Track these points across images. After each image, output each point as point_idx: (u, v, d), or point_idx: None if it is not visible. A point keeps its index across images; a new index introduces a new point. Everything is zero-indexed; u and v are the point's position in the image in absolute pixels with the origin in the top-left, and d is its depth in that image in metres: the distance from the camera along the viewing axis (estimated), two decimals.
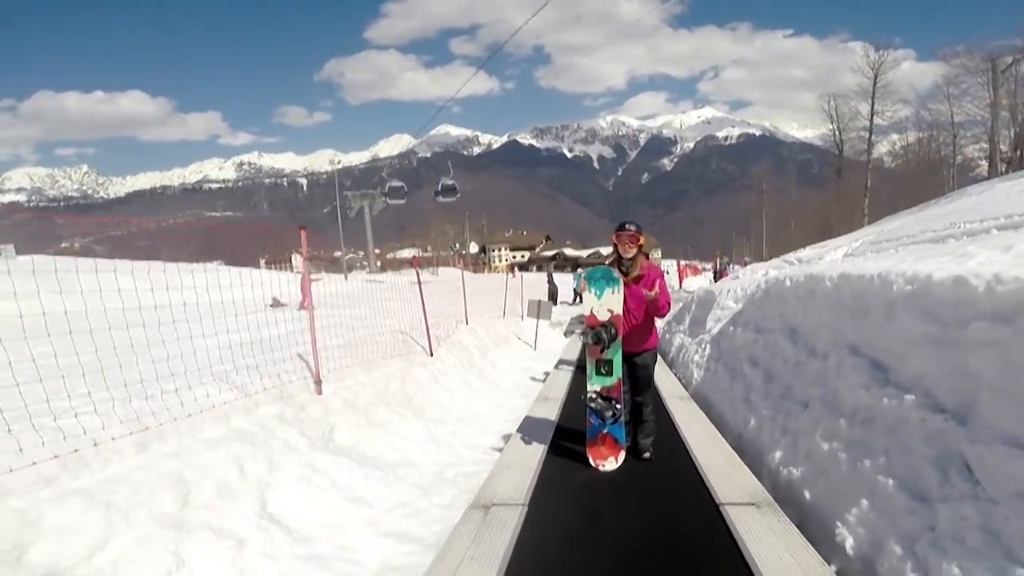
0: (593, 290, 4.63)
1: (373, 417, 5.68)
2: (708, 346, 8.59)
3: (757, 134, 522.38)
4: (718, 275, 27.78)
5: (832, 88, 42.12)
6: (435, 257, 70.28)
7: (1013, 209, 9.29)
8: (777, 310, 6.51)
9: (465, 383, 8.25)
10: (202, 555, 3.15)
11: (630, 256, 4.69)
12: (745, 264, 26.25)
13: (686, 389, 7.65)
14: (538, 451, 4.90)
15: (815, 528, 3.50)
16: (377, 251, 62.28)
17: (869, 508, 3.20)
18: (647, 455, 4.85)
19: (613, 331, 4.56)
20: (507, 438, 5.58)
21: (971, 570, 2.41)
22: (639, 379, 4.87)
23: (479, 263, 57.90)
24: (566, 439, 5.19)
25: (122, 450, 3.50)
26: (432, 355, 8.38)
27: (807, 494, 3.89)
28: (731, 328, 7.98)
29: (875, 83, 36.36)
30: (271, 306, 15.42)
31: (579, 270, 11.80)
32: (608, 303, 4.57)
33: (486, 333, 11.31)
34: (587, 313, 4.69)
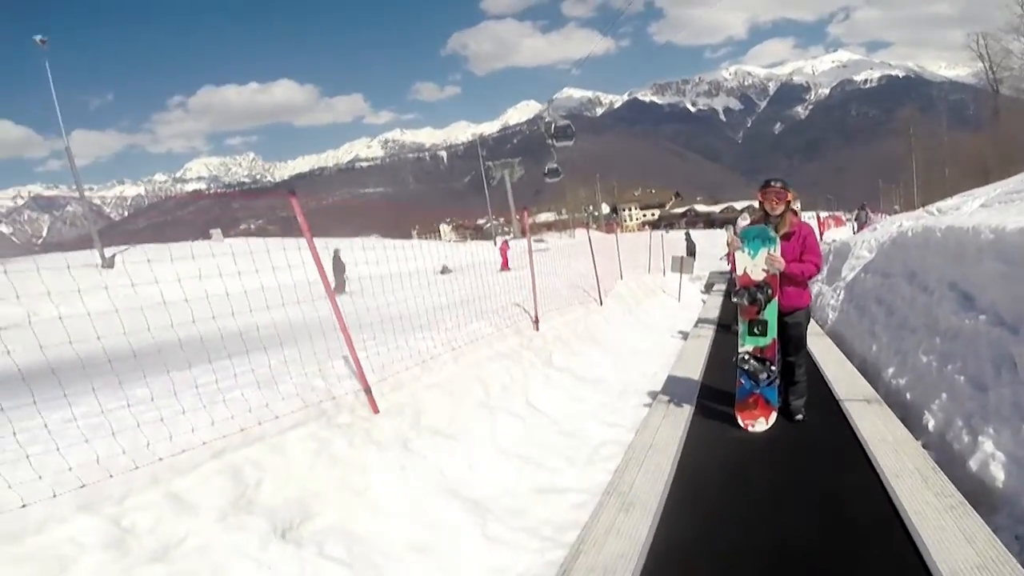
0: (747, 249, 4.48)
1: (573, 347, 7.46)
2: (842, 291, 9.60)
3: (900, 75, 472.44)
4: (860, 226, 27.16)
5: (981, 22, 37.41)
6: (571, 220, 71.90)
7: None
8: (901, 257, 7.53)
9: (627, 326, 9.84)
10: (503, 424, 5.02)
11: (778, 213, 4.50)
12: (876, 215, 25.39)
13: (822, 328, 8.82)
14: (683, 417, 4.98)
15: (912, 419, 4.77)
16: (516, 217, 64.75)
17: (947, 399, 4.48)
18: (799, 416, 4.74)
19: (769, 291, 4.44)
20: (666, 366, 7.18)
21: (1000, 430, 3.70)
22: (790, 338, 4.67)
23: (612, 223, 58.69)
24: (712, 400, 5.33)
25: (447, 361, 5.45)
26: (601, 304, 10.05)
27: (908, 396, 5.16)
28: (863, 275, 8.98)
29: None
30: (441, 273, 17.46)
31: (729, 225, 12.34)
32: (762, 262, 4.42)
33: (637, 287, 12.81)
34: (740, 273, 4.56)
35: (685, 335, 9.27)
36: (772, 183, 4.55)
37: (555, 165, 51.01)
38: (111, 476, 2.97)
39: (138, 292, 3.74)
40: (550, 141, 26.26)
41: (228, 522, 3.07)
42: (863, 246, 10.14)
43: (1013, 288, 4.17)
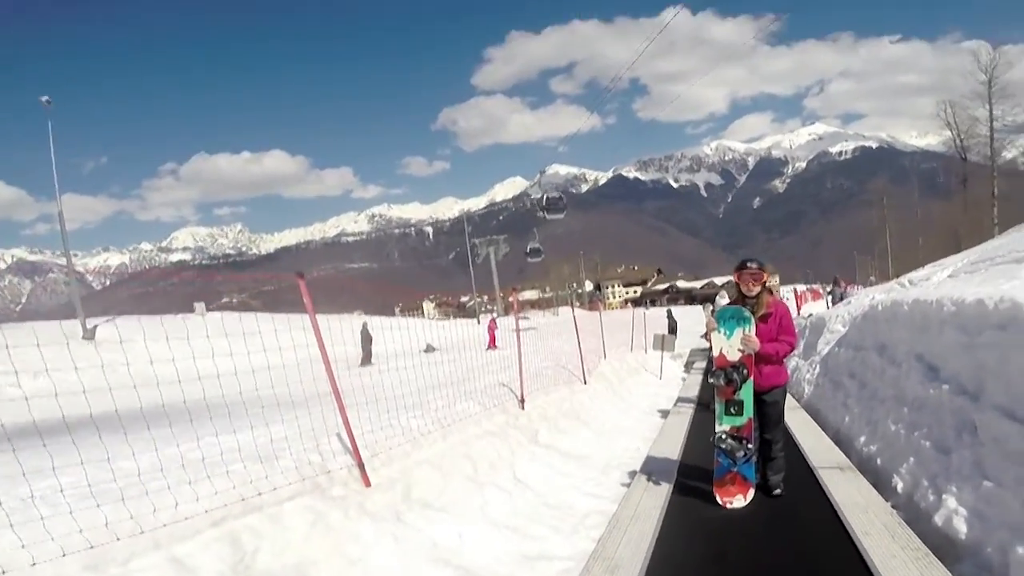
0: (723, 330, 4.56)
1: (559, 425, 7.67)
2: (817, 365, 9.94)
3: (874, 146, 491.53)
4: (835, 300, 27.84)
5: (950, 91, 38.51)
6: (554, 298, 72.71)
7: None
8: (871, 330, 7.92)
9: (611, 404, 10.07)
10: (491, 497, 5.20)
11: (755, 294, 4.55)
12: (851, 288, 26.07)
13: (798, 402, 9.10)
14: (663, 491, 5.05)
15: (883, 483, 5.03)
16: (500, 294, 65.46)
17: (914, 462, 4.76)
18: (778, 491, 4.77)
19: (744, 371, 4.48)
20: (648, 441, 7.41)
21: (963, 488, 3.97)
22: (768, 416, 4.71)
23: (595, 301, 59.27)
24: (691, 478, 5.35)
25: (437, 439, 5.67)
26: (585, 383, 10.30)
27: (879, 461, 5.43)
28: (837, 349, 9.34)
29: (990, 86, 33.54)
30: (425, 351, 17.57)
31: (707, 304, 12.61)
32: (738, 343, 4.50)
33: (621, 365, 13.10)
34: (716, 353, 4.63)
35: (666, 413, 9.49)
36: (748, 264, 4.58)
37: (537, 245, 52.11)
38: (117, 539, 3.15)
39: (131, 371, 3.90)
40: (541, 213, 28.10)
41: None
42: (837, 320, 10.53)
43: (973, 357, 4.52)
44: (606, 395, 10.38)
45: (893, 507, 4.37)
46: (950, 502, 3.99)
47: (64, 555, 2.96)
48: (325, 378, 4.69)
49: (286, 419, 5.28)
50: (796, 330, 4.98)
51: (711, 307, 10.15)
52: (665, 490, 5.16)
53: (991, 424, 4.01)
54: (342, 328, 7.37)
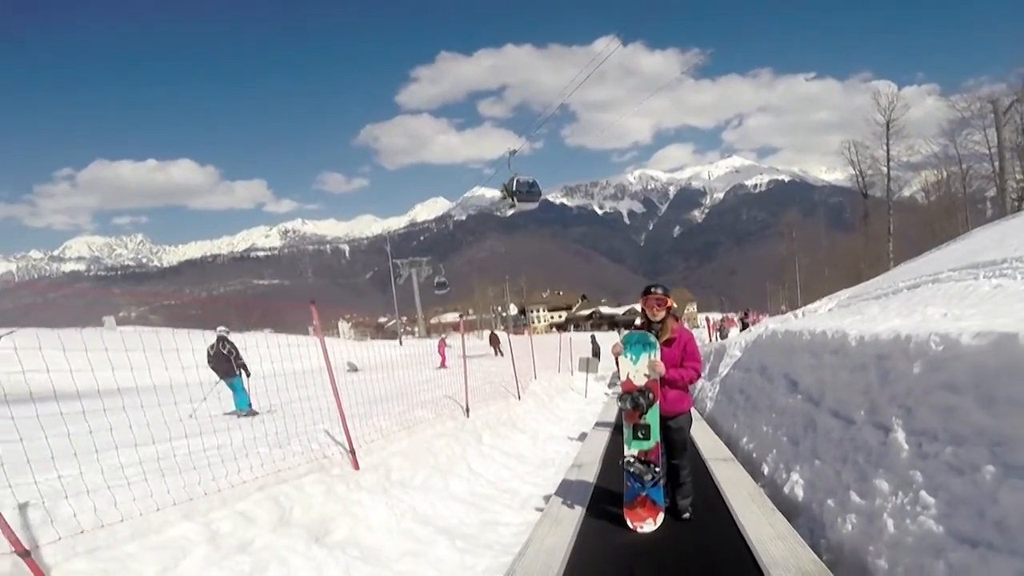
0: (629, 355, 4.68)
1: (499, 432, 9.20)
2: (718, 385, 11.83)
3: (786, 180, 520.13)
4: (743, 327, 30.47)
5: (858, 128, 41.98)
6: (478, 320, 74.08)
7: (957, 260, 11.57)
8: (757, 355, 9.79)
9: (543, 416, 11.67)
10: (453, 482, 6.67)
11: (659, 319, 4.65)
12: (759, 316, 28.73)
13: (700, 415, 10.89)
14: (576, 514, 5.23)
15: (755, 470, 6.74)
16: (421, 316, 66.57)
17: (776, 453, 6.51)
18: (686, 515, 4.92)
19: (651, 396, 4.60)
20: (576, 441, 8.97)
21: (803, 466, 5.69)
22: (674, 442, 4.84)
23: (519, 325, 61.28)
24: (604, 502, 5.49)
25: (400, 437, 7.09)
26: (519, 399, 11.86)
27: (754, 455, 7.18)
28: (733, 371, 11.23)
29: (888, 128, 36.72)
30: (348, 370, 18.44)
31: (623, 330, 13.64)
32: (644, 368, 4.63)
33: (549, 384, 14.76)
34: (623, 378, 4.73)
35: (589, 424, 11.08)
36: (653, 290, 4.69)
37: (443, 279, 54.91)
38: (204, 494, 4.44)
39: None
40: (510, 200, 24.66)
41: (279, 531, 4.55)
42: (736, 347, 12.48)
43: (817, 374, 6.30)
44: (538, 409, 11.95)
45: (761, 486, 6.02)
46: (794, 476, 5.72)
47: (158, 508, 4.21)
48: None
49: (275, 419, 6.55)
50: (701, 356, 5.05)
51: (628, 331, 11.78)
52: (577, 516, 5.72)
53: (824, 421, 5.76)
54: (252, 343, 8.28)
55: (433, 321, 77.84)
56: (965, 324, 3.73)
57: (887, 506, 3.94)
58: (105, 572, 3.49)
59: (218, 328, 10.40)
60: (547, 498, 6.14)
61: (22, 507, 3.76)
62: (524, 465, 8.09)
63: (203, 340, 8.97)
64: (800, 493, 5.48)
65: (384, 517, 5.39)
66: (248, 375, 9.95)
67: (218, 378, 9.95)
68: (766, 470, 6.51)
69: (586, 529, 4.96)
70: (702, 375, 4.91)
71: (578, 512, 5.33)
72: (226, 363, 9.88)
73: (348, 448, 6.08)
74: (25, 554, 3.25)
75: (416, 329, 61.75)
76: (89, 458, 4.48)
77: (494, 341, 21.99)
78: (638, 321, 11.40)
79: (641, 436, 4.74)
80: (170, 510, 4.22)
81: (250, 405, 9.57)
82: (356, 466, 6.01)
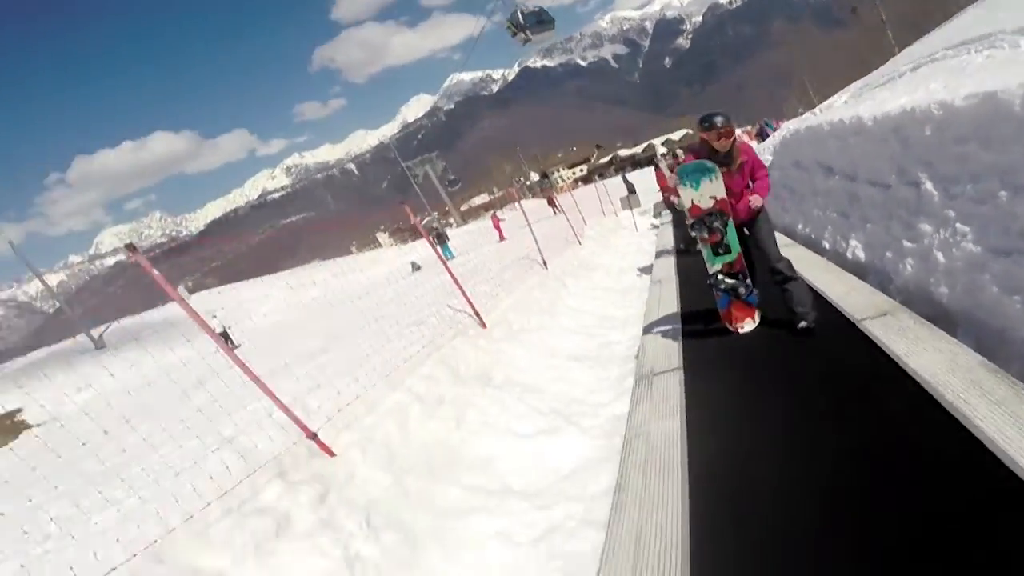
0: (688, 184, 4.55)
1: (577, 274, 10.06)
2: None
3: None
4: (764, 137, 30.18)
5: None
6: (505, 195, 74.45)
7: (950, 40, 11.88)
8: (787, 154, 10.27)
9: (607, 254, 12.49)
10: (563, 320, 7.56)
11: (727, 150, 4.44)
12: (769, 125, 28.44)
13: None
14: (675, 322, 5.79)
15: (814, 245, 7.47)
16: (447, 207, 67.31)
17: (832, 228, 7.19)
18: (803, 324, 4.41)
19: (725, 217, 4.53)
20: (644, 270, 9.79)
21: (857, 232, 6.37)
22: (763, 239, 4.61)
23: (546, 190, 61.32)
24: (695, 306, 6.01)
25: (503, 297, 7.97)
26: (581, 244, 12.67)
27: (812, 236, 7.87)
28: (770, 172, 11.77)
29: None
30: (413, 270, 19.67)
31: (656, 162, 13.39)
32: (708, 191, 4.52)
33: (602, 228, 15.51)
34: (688, 206, 4.64)
35: (650, 252, 11.84)
36: (715, 121, 4.38)
37: (452, 176, 55.66)
38: (395, 368, 5.39)
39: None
40: (524, 35, 21.34)
41: (458, 383, 5.50)
42: (766, 152, 12.92)
43: (846, 155, 6.86)
44: (601, 249, 12.77)
45: (826, 259, 6.79)
46: (852, 243, 6.43)
47: (373, 385, 5.15)
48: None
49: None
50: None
51: (662, 160, 12.22)
52: (675, 296, 7.13)
53: (864, 192, 6.37)
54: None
55: (463, 208, 78.37)
56: (961, 91, 4.26)
57: (934, 242, 4.60)
58: (365, 439, 4.42)
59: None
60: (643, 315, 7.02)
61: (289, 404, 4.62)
62: (610, 295, 8.95)
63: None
64: (861, 255, 6.18)
65: (524, 358, 6.33)
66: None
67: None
68: (827, 245, 7.21)
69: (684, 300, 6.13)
70: None
71: (674, 295, 6.63)
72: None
73: (473, 312, 6.99)
74: (313, 436, 4.19)
75: (452, 220, 62.63)
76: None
77: (551, 202, 22.93)
78: (666, 162, 11.58)
79: (721, 252, 4.71)
80: (380, 386, 5.18)
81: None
82: (483, 325, 6.93)
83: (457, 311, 7.18)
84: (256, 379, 4.09)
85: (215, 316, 19.76)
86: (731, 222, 4.64)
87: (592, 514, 3.50)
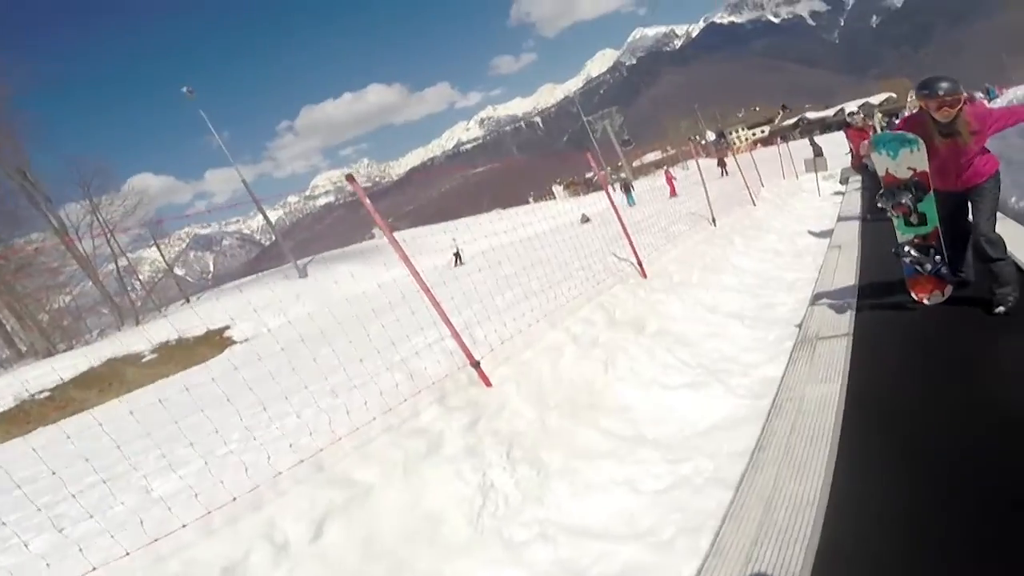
0: (884, 152, 4.21)
1: (746, 234, 9.46)
2: None
3: None
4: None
5: None
6: (679, 153, 71.83)
7: None
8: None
9: (782, 217, 11.63)
10: (725, 278, 7.22)
11: (952, 119, 3.77)
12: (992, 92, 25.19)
13: None
14: (850, 291, 5.46)
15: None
16: (624, 162, 66.22)
17: None
18: (1000, 309, 3.85)
19: (920, 192, 4.18)
20: (823, 236, 9.01)
21: None
22: (982, 210, 3.95)
23: (722, 149, 58.30)
24: (876, 277, 5.61)
25: (667, 249, 7.75)
26: (755, 205, 11.93)
27: (1021, 204, 6.85)
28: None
29: None
30: (582, 222, 19.74)
31: (851, 117, 11.93)
32: (907, 162, 4.14)
33: (780, 190, 14.51)
34: (883, 173, 4.33)
35: (832, 218, 10.87)
36: (938, 87, 3.74)
37: (627, 136, 54.90)
38: (558, 307, 5.46)
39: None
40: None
41: (612, 328, 5.45)
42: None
43: None
44: (776, 212, 11.89)
45: None
46: None
47: (537, 321, 5.26)
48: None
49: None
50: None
51: (854, 118, 11.05)
52: (854, 263, 6.65)
53: None
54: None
55: (636, 164, 76.58)
56: None
57: None
58: (520, 373, 4.51)
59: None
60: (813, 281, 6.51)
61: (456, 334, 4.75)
62: (780, 257, 8.35)
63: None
64: None
65: (680, 310, 6.11)
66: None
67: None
68: None
69: (864, 273, 5.77)
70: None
71: (853, 263, 6.20)
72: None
73: (636, 261, 6.86)
74: (476, 364, 4.34)
75: (623, 175, 61.75)
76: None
77: (721, 162, 22.04)
78: (857, 120, 10.47)
79: (915, 223, 4.31)
80: (541, 323, 5.24)
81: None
82: (644, 275, 6.78)
83: (621, 259, 7.07)
84: (437, 305, 4.33)
85: (454, 239, 23.30)
86: (931, 195, 4.20)
87: (722, 472, 3.35)
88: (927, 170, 4.11)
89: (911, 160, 4.13)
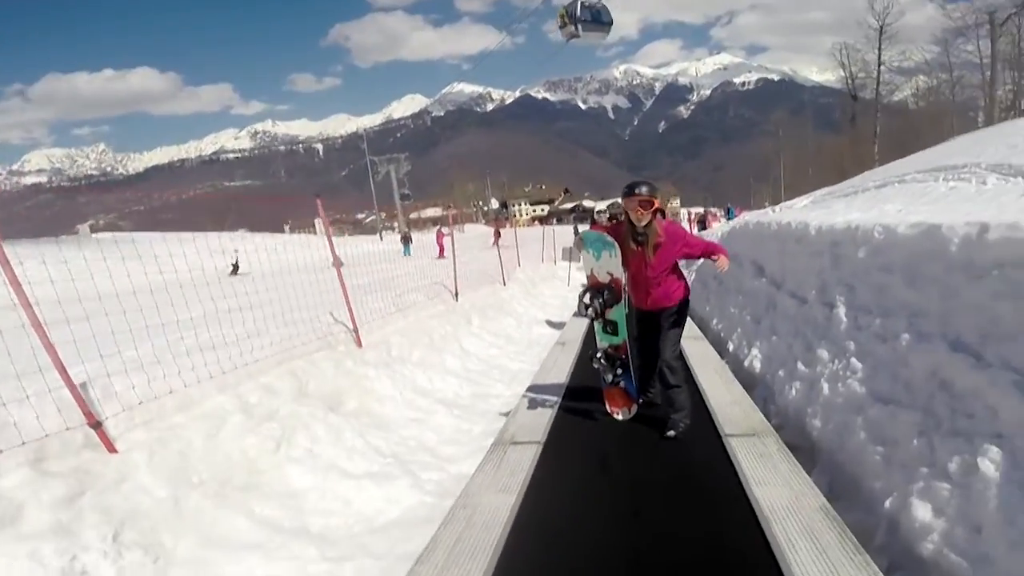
0: (591, 251, 4.44)
1: (486, 314, 9.87)
2: (694, 273, 12.56)
3: (776, 79, 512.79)
4: (703, 226, 30.99)
5: (851, 31, 42.12)
6: (459, 215, 74.15)
7: (927, 163, 12.30)
8: (731, 244, 10.41)
9: (527, 302, 12.35)
10: (449, 360, 7.31)
11: (644, 224, 4.06)
12: (740, 212, 29.43)
13: None
14: (558, 392, 5.56)
15: (722, 347, 7.45)
16: (400, 212, 66.63)
17: (740, 331, 7.20)
18: (671, 433, 4.28)
19: (610, 295, 4.40)
20: (559, 326, 9.65)
21: (762, 342, 6.36)
22: (665, 335, 4.32)
23: (500, 220, 61.32)
24: (584, 381, 5.77)
25: (396, 319, 7.70)
26: (505, 285, 12.48)
27: (722, 334, 7.90)
28: (707, 260, 11.93)
29: (881, 32, 37.21)
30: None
31: (593, 216, 13.59)
32: (607, 265, 4.39)
33: (534, 273, 15.41)
34: (588, 273, 4.57)
35: (573, 309, 11.74)
36: (636, 190, 4.03)
37: (406, 191, 56.12)
38: (235, 368, 5.02)
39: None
40: (574, 29, 17.84)
41: (300, 401, 5.16)
42: (713, 238, 13.13)
43: (780, 260, 6.92)
44: (523, 295, 12.63)
45: (725, 361, 6.72)
46: (754, 351, 6.42)
47: (199, 381, 4.77)
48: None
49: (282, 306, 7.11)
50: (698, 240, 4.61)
51: (592, 220, 12.21)
52: (571, 363, 6.80)
53: (783, 301, 6.41)
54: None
55: (413, 216, 77.58)
56: (911, 219, 4.28)
57: (824, 372, 4.60)
58: (160, 441, 4.03)
59: None
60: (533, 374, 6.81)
61: (82, 386, 4.08)
62: (512, 345, 8.78)
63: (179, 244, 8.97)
64: (757, 366, 6.18)
65: (389, 389, 6.04)
66: None
67: None
68: (731, 347, 7.21)
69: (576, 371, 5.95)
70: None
71: (570, 360, 6.36)
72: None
73: (352, 327, 6.66)
74: (96, 426, 3.78)
75: (396, 225, 61.86)
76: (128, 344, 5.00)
77: (497, 233, 22.70)
78: (603, 219, 11.60)
79: (609, 331, 4.59)
80: (207, 383, 4.77)
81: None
82: (359, 344, 6.61)
83: (338, 321, 6.83)
84: (50, 347, 3.69)
85: (236, 251, 21.35)
86: (622, 305, 4.45)
87: None
88: (621, 278, 4.34)
89: (609, 264, 4.34)
